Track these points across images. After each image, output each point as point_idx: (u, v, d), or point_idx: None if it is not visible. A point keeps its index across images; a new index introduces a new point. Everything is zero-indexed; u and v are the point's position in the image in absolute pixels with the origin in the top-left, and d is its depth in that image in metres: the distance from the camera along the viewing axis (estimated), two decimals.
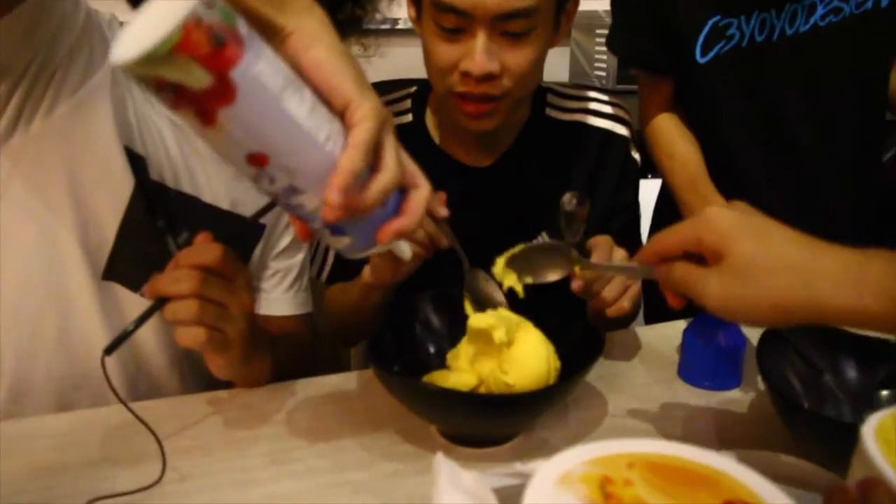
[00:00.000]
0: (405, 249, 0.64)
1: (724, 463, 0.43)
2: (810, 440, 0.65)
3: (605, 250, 0.85)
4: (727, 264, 0.56)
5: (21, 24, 0.69)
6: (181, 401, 0.84)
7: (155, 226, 0.84)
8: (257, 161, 0.49)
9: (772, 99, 1.11)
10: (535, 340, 0.74)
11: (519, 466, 0.62)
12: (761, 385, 0.86)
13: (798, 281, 0.53)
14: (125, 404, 0.67)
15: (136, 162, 0.82)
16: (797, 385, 0.74)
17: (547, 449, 0.74)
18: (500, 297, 0.82)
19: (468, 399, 0.71)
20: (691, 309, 1.06)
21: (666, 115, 1.19)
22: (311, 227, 0.57)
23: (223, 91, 0.45)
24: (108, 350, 0.66)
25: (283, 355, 0.88)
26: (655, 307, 1.27)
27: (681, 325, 0.98)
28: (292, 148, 0.50)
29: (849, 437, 0.47)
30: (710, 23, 1.07)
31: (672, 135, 1.17)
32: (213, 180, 0.90)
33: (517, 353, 0.73)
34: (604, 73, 2.36)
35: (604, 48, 2.32)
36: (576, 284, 0.79)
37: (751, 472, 0.42)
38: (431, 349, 0.85)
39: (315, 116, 0.50)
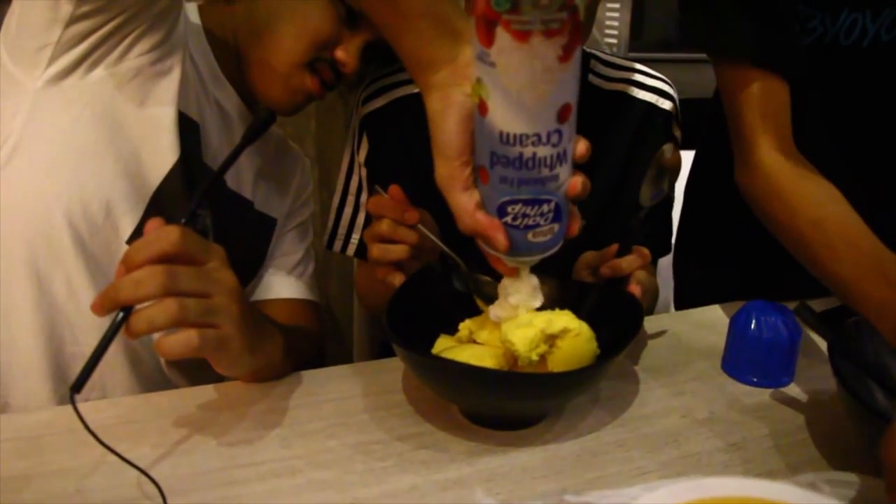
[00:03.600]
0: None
1: None
2: None
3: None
4: None
5: None
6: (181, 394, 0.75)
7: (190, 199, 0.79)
8: (565, 112, 0.52)
9: (854, 110, 0.90)
10: (576, 332, 0.65)
11: (569, 498, 0.53)
12: (818, 384, 0.77)
13: None
14: (108, 447, 0.58)
15: (190, 127, 0.80)
16: (879, 393, 0.64)
17: (573, 436, 0.68)
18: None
19: (497, 378, 0.64)
20: (729, 293, 1.00)
21: (781, 148, 0.80)
22: (538, 212, 0.56)
23: (580, 29, 0.49)
24: (76, 387, 0.56)
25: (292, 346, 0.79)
26: (687, 290, 1.17)
27: (723, 310, 0.90)
28: (576, 110, 0.53)
29: None
30: None
31: (805, 187, 0.77)
32: (243, 172, 0.91)
33: (561, 347, 0.64)
34: (615, 41, 2.25)
35: (615, 13, 2.21)
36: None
37: None
38: (451, 317, 0.76)
39: None
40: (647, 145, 1.01)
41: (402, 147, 0.97)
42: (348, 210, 1.04)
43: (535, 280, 0.65)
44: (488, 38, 0.49)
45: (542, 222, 0.57)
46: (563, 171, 0.55)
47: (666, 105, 1.03)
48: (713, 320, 0.91)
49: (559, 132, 0.53)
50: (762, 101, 0.80)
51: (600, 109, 1.01)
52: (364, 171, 1.01)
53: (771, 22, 0.79)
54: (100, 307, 0.57)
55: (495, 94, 0.51)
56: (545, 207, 0.56)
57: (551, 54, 0.49)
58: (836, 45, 0.85)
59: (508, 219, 0.57)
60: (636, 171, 0.99)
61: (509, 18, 0.47)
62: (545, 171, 0.54)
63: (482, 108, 0.53)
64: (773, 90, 0.80)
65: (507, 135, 0.52)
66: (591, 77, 1.03)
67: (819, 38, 0.85)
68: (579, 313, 0.67)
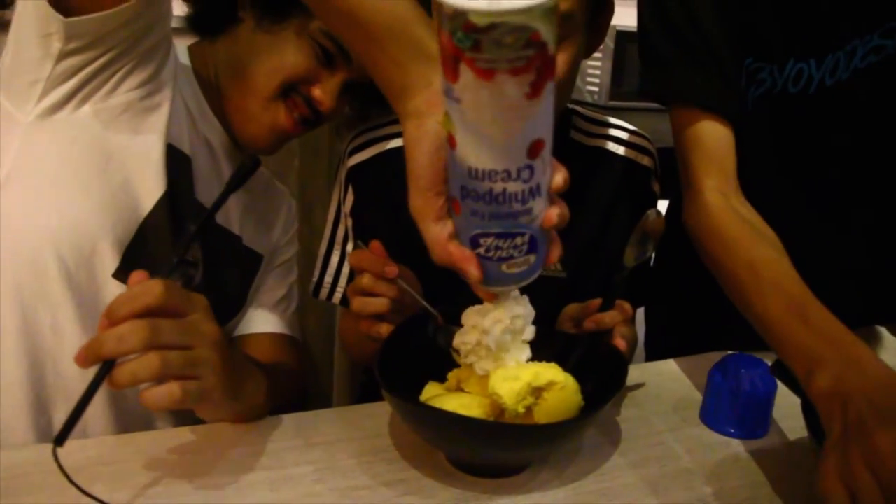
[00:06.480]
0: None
1: None
2: None
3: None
4: None
5: (125, 15, 0.69)
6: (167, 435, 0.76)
7: (175, 231, 0.81)
8: (537, 148, 0.50)
9: (806, 153, 0.95)
10: (561, 384, 0.67)
11: None
12: (792, 436, 0.80)
13: None
14: (93, 497, 0.59)
15: (181, 161, 0.83)
16: None
17: (557, 484, 0.69)
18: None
19: (483, 428, 0.65)
20: (701, 340, 1.02)
21: (724, 189, 0.84)
22: (511, 245, 0.55)
23: (553, 64, 0.47)
24: (59, 440, 0.56)
25: (274, 385, 0.79)
26: (658, 335, 1.20)
27: (701, 361, 0.92)
28: (550, 143, 0.52)
29: None
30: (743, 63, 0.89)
31: (742, 229, 0.81)
32: (231, 207, 0.93)
33: (547, 399, 0.66)
34: (596, 89, 2.30)
35: (597, 63, 2.26)
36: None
37: None
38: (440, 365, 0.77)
39: None
40: (627, 200, 1.04)
41: (386, 200, 0.97)
42: (335, 259, 1.04)
43: (518, 309, 0.64)
44: (453, 74, 0.47)
45: (515, 254, 0.56)
46: (538, 204, 0.53)
47: (645, 160, 1.06)
48: (691, 371, 0.93)
49: (530, 167, 0.51)
50: (708, 144, 0.85)
51: (581, 165, 1.03)
52: (350, 222, 1.03)
53: (717, 72, 0.86)
54: (83, 360, 0.57)
55: (462, 129, 0.49)
56: (518, 240, 0.55)
57: (517, 92, 0.46)
58: (785, 93, 0.90)
59: (481, 250, 0.55)
60: (616, 226, 1.02)
61: (472, 56, 0.45)
62: (517, 206, 0.53)
63: (451, 141, 0.51)
64: (718, 134, 0.85)
65: (476, 170, 0.50)
66: (572, 133, 1.05)
67: (770, 88, 0.91)
68: (565, 365, 0.69)
